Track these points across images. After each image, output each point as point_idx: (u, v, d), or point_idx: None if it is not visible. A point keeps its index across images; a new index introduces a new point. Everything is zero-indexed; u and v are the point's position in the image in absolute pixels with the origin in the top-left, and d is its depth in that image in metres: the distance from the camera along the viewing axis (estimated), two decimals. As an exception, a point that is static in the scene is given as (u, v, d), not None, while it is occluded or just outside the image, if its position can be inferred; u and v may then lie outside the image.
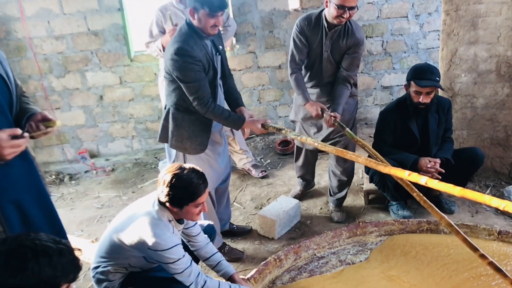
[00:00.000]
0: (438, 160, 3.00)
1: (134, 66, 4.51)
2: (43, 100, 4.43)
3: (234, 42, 4.63)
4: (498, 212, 3.22)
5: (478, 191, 3.47)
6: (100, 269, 2.19)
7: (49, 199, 1.92)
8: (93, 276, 2.22)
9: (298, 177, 3.60)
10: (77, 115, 4.56)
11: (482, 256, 1.99)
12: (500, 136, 3.53)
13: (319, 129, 3.15)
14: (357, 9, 2.80)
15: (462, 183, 3.20)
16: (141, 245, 2.05)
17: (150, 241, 2.01)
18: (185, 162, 2.68)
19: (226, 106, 2.76)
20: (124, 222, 2.15)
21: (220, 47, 2.63)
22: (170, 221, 2.12)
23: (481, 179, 3.62)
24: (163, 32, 3.74)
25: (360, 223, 2.94)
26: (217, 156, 2.77)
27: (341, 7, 2.71)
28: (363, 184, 3.64)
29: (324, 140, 3.08)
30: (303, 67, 3.09)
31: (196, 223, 2.36)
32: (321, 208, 3.48)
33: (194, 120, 2.59)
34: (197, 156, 2.66)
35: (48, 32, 4.26)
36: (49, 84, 4.41)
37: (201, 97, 2.47)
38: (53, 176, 4.35)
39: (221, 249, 2.92)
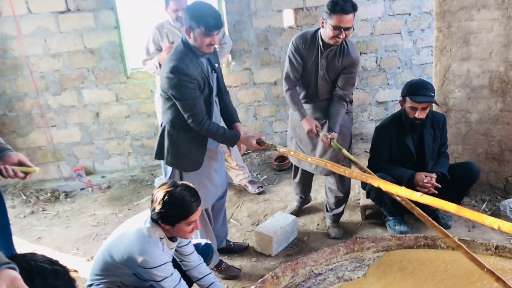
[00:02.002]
0: (434, 175, 3.01)
1: (131, 83, 4.53)
2: (39, 117, 4.43)
3: (230, 59, 4.67)
4: (494, 226, 3.23)
5: (474, 206, 3.53)
6: (93, 287, 2.18)
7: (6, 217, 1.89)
8: None
9: (296, 194, 3.60)
10: (73, 132, 4.56)
11: (489, 272, 1.98)
12: (495, 151, 3.56)
13: (315, 146, 3.17)
14: (353, 29, 2.83)
15: (458, 198, 3.22)
16: (130, 262, 2.04)
17: (139, 258, 2.00)
18: (181, 179, 2.68)
19: (222, 123, 2.77)
20: (116, 239, 2.14)
21: (216, 64, 2.65)
22: (161, 238, 2.11)
23: (477, 194, 3.63)
24: (159, 49, 3.78)
25: (358, 239, 2.93)
26: (214, 172, 2.77)
27: (337, 28, 2.74)
28: (359, 199, 3.64)
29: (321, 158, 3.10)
30: (299, 85, 3.12)
31: (189, 242, 2.34)
32: (318, 224, 3.47)
33: (190, 137, 2.59)
34: (193, 173, 2.66)
35: (45, 50, 4.28)
36: (45, 101, 4.42)
37: (196, 114, 2.48)
38: (49, 194, 4.33)
39: (218, 266, 2.90)
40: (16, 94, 4.35)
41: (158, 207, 2.03)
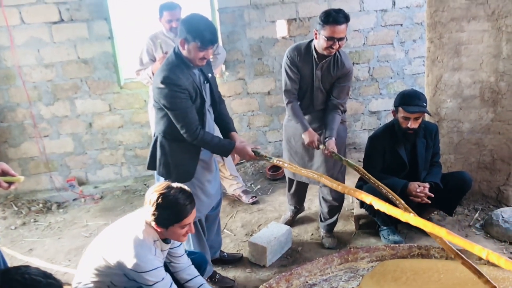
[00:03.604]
0: (427, 185, 3.02)
1: (124, 93, 4.52)
2: (32, 128, 4.40)
3: (224, 69, 4.68)
4: (487, 235, 3.25)
5: (467, 215, 3.55)
6: (81, 286, 2.14)
7: None
8: None
9: (289, 205, 3.60)
10: (66, 142, 4.53)
11: (487, 282, 1.99)
12: (487, 160, 3.59)
13: (311, 157, 3.18)
14: (346, 39, 2.86)
15: (451, 207, 3.24)
16: (122, 264, 2.02)
17: (131, 261, 1.99)
18: None
19: (217, 133, 2.77)
20: (108, 239, 2.12)
21: (210, 75, 2.65)
22: (155, 241, 2.09)
23: (469, 203, 3.65)
24: (153, 60, 3.79)
25: (352, 249, 2.93)
26: (207, 183, 2.75)
27: (330, 39, 2.77)
28: (353, 209, 3.65)
29: (316, 170, 3.12)
30: None
31: (181, 244, 2.32)
32: (312, 234, 3.46)
33: (182, 148, 2.58)
34: (186, 183, 2.65)
35: (38, 60, 4.27)
36: (38, 112, 4.40)
37: (189, 124, 2.47)
38: (41, 205, 4.29)
39: (212, 277, 2.88)
40: (8, 104, 4.33)
41: (151, 209, 2.01)
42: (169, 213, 2.02)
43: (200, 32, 2.36)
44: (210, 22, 2.45)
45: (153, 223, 2.05)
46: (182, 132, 2.50)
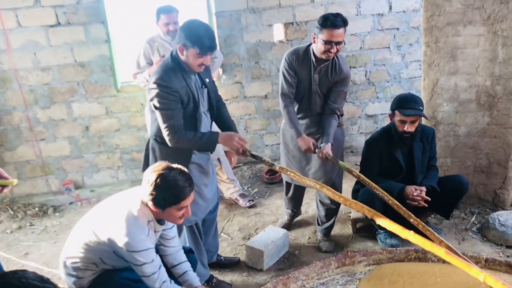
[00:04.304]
0: (424, 188, 3.03)
1: (121, 96, 4.52)
2: (28, 131, 4.39)
3: (221, 72, 4.69)
4: (484, 239, 3.25)
5: (464, 218, 3.55)
6: (70, 263, 2.12)
7: None
8: (64, 266, 2.15)
9: (287, 208, 3.60)
10: (62, 146, 4.52)
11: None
12: (483, 164, 3.60)
13: (308, 161, 3.18)
14: (344, 43, 2.87)
15: (448, 211, 3.25)
16: (112, 241, 2.00)
17: (122, 239, 1.96)
18: None
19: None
20: (101, 215, 2.09)
21: (207, 79, 2.65)
22: (149, 221, 2.06)
23: (466, 206, 3.66)
24: (150, 63, 3.79)
25: (349, 253, 2.92)
26: (204, 186, 2.74)
27: (328, 42, 2.78)
28: (350, 212, 3.65)
29: (314, 174, 3.15)
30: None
31: (173, 225, 2.30)
32: (309, 238, 3.46)
33: (172, 152, 2.53)
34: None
35: (34, 63, 4.26)
36: (34, 115, 4.38)
37: (172, 125, 2.43)
38: (37, 209, 4.26)
39: (209, 281, 2.87)
40: (5, 108, 4.31)
41: (149, 189, 1.98)
42: (168, 194, 1.99)
43: (199, 39, 2.36)
44: (209, 28, 2.46)
45: (150, 203, 2.01)
46: (165, 134, 2.46)
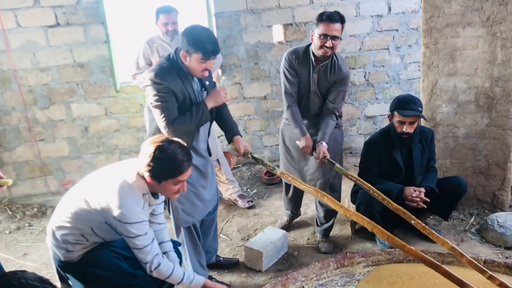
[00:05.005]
0: (423, 190, 3.03)
1: (120, 97, 4.52)
2: (27, 131, 4.38)
3: (220, 73, 4.69)
4: (483, 240, 3.25)
5: (463, 219, 3.56)
6: (60, 235, 2.08)
7: None
8: (53, 236, 2.12)
9: (286, 209, 3.59)
10: (61, 146, 4.51)
11: (491, 278, 2.01)
12: (482, 165, 3.60)
13: (307, 162, 3.18)
14: (340, 39, 2.87)
15: (446, 212, 3.25)
16: (105, 212, 1.96)
17: (116, 210, 1.93)
18: None
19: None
20: (95, 184, 2.06)
21: (207, 82, 2.65)
22: (144, 194, 2.04)
23: (465, 208, 3.66)
24: (150, 64, 3.79)
25: (348, 254, 2.93)
26: (202, 188, 2.74)
27: (324, 36, 2.79)
28: (349, 213, 3.64)
29: (312, 175, 3.15)
30: None
31: (162, 201, 2.28)
32: (308, 239, 3.46)
33: None
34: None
35: (34, 64, 4.26)
36: (33, 115, 4.38)
37: (168, 116, 2.41)
38: (35, 209, 4.26)
39: (208, 282, 2.87)
40: (4, 108, 4.31)
41: (147, 160, 1.95)
42: (165, 166, 1.96)
43: (202, 44, 2.35)
44: (211, 32, 2.45)
45: (146, 174, 1.98)
46: (162, 128, 2.44)
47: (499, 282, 2.00)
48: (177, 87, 2.44)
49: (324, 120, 3.05)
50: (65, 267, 2.16)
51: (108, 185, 2.00)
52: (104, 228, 2.06)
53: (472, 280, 2.61)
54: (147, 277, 2.15)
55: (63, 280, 2.23)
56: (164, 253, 2.28)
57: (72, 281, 2.19)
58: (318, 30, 2.80)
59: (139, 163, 2.00)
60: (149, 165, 1.95)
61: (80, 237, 2.07)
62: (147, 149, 1.97)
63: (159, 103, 2.42)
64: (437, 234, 2.31)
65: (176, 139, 2.05)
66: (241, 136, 2.77)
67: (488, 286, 2.56)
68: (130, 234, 1.97)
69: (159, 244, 2.27)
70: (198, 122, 2.52)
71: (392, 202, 2.55)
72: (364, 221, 1.86)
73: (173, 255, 2.32)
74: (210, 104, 2.56)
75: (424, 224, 2.34)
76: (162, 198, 2.25)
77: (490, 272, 2.05)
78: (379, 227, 1.70)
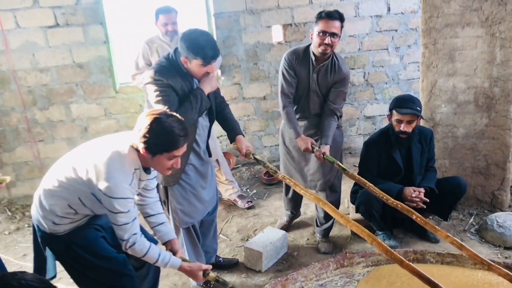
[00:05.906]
0: (422, 190, 3.03)
1: (120, 97, 4.52)
2: (26, 132, 4.38)
3: (220, 74, 4.69)
4: (482, 240, 3.26)
5: (462, 219, 3.56)
6: (48, 205, 2.03)
7: None
8: (40, 205, 2.07)
9: (286, 210, 3.59)
10: (61, 147, 4.51)
11: (490, 268, 2.04)
12: (481, 165, 3.61)
13: (307, 162, 3.18)
14: (339, 37, 2.88)
15: (446, 212, 3.26)
16: (92, 183, 1.92)
17: (103, 183, 1.89)
18: (166, 193, 2.68)
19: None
20: (85, 152, 2.02)
21: None
22: (136, 169, 2.00)
23: (464, 208, 3.66)
24: (149, 64, 3.79)
25: (347, 254, 2.93)
26: (201, 189, 2.73)
27: (323, 33, 2.79)
28: (349, 214, 3.65)
29: (312, 175, 3.16)
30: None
31: (155, 177, 2.26)
32: (308, 239, 3.46)
33: None
34: (179, 188, 2.64)
35: (33, 64, 4.26)
36: (33, 116, 4.38)
37: (170, 108, 2.37)
38: (35, 210, 4.26)
39: (207, 283, 2.87)
40: (3, 109, 4.30)
41: (143, 131, 1.90)
42: (161, 139, 1.91)
43: (202, 49, 2.34)
44: (210, 36, 2.44)
45: (141, 146, 1.92)
46: None
47: (499, 272, 2.01)
48: (176, 84, 2.43)
49: (326, 122, 3.04)
50: (49, 239, 2.10)
51: (98, 155, 1.95)
52: (91, 199, 2.01)
53: (472, 281, 2.62)
54: (127, 261, 2.16)
55: (39, 269, 2.18)
56: (160, 223, 2.28)
57: (49, 254, 2.14)
58: (317, 27, 2.82)
59: (134, 135, 1.95)
60: (144, 136, 1.90)
61: (68, 209, 2.02)
62: (144, 120, 1.93)
63: (160, 97, 2.41)
64: (437, 227, 2.33)
65: (174, 113, 2.01)
66: (243, 136, 2.76)
67: (488, 286, 2.57)
68: (112, 209, 1.92)
69: (153, 215, 2.28)
70: (199, 109, 2.49)
71: (390, 197, 2.55)
72: (364, 233, 1.87)
73: (169, 226, 2.33)
74: (207, 90, 2.52)
75: (425, 219, 2.35)
76: (154, 173, 2.22)
77: (489, 261, 2.05)
78: (378, 240, 1.72)
